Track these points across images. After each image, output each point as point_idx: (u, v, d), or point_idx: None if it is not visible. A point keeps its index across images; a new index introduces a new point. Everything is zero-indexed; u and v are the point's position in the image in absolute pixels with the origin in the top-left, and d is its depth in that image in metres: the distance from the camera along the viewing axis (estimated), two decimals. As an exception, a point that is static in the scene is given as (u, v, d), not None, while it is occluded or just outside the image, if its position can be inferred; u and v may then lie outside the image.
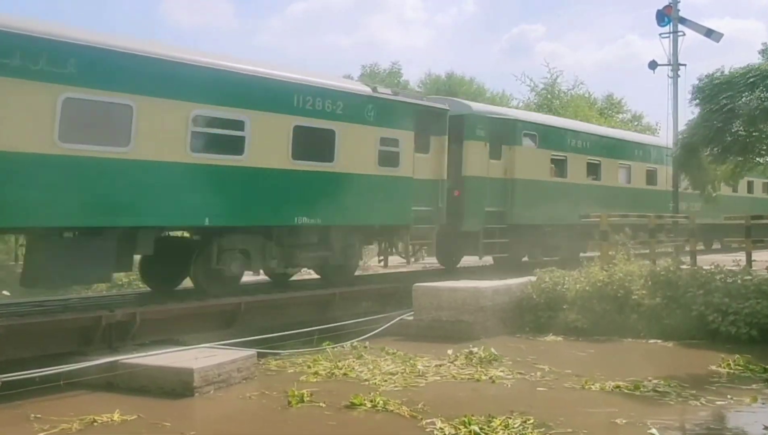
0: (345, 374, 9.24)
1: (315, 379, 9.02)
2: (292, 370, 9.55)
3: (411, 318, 12.39)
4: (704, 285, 11.84)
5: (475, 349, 10.25)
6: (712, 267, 12.55)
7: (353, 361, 9.86)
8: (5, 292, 15.39)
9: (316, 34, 79.23)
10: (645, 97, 70.35)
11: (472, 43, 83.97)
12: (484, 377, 9.08)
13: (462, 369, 9.50)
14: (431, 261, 18.96)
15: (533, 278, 13.11)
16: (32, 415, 7.33)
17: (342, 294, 12.90)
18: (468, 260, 18.41)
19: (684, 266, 13.14)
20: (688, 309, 11.72)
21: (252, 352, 9.34)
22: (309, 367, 9.58)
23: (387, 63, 49.07)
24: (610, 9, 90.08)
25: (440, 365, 9.65)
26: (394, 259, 19.89)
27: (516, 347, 11.02)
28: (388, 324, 12.03)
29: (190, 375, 8.27)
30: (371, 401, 7.74)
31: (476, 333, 11.80)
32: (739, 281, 11.86)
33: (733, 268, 12.68)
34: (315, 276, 15.16)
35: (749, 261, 14.57)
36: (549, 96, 38.67)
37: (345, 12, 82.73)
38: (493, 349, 10.24)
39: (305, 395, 7.97)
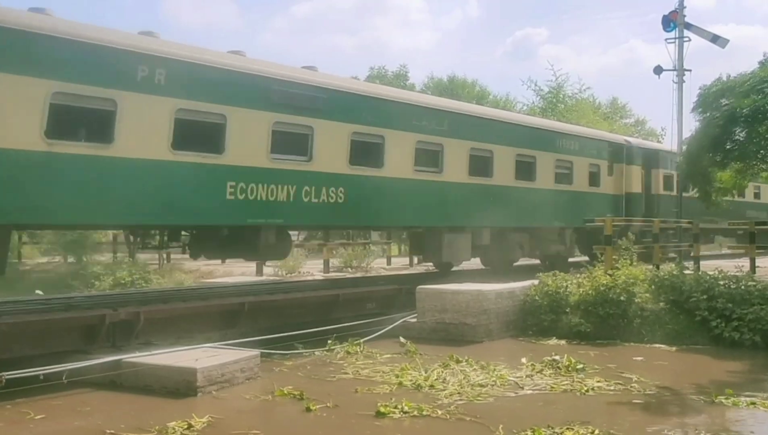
0: (432, 386, 8.51)
1: (388, 389, 8.41)
2: (377, 378, 8.96)
3: (414, 320, 12.39)
4: (708, 290, 11.83)
5: (557, 357, 9.74)
6: (716, 272, 12.54)
7: (441, 370, 9.24)
8: (38, 292, 15.42)
9: (320, 34, 79.44)
10: (649, 101, 70.40)
11: (475, 46, 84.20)
12: (584, 388, 8.51)
13: (556, 379, 8.95)
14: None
15: (536, 282, 13.11)
16: (107, 431, 6.87)
17: (345, 295, 12.91)
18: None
19: (687, 271, 13.12)
20: (691, 314, 11.72)
21: (256, 352, 9.32)
22: (396, 376, 8.95)
23: (394, 65, 49.28)
24: (615, 14, 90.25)
25: (531, 376, 9.11)
26: (397, 261, 20.08)
27: (520, 351, 11.00)
28: (391, 326, 12.02)
29: (193, 374, 8.26)
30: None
31: (480, 336, 11.80)
32: (742, 287, 11.84)
33: (737, 273, 12.66)
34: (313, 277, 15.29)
35: (753, 267, 14.55)
36: (554, 100, 38.64)
37: (349, 13, 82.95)
38: (572, 357, 9.74)
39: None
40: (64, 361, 8.38)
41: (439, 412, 7.43)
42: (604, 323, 11.97)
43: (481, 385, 8.57)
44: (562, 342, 11.80)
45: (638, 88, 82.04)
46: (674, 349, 11.30)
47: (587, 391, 8.47)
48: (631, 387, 8.65)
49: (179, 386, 8.27)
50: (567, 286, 12.71)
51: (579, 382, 8.80)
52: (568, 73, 55.18)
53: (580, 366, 9.46)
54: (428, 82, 50.09)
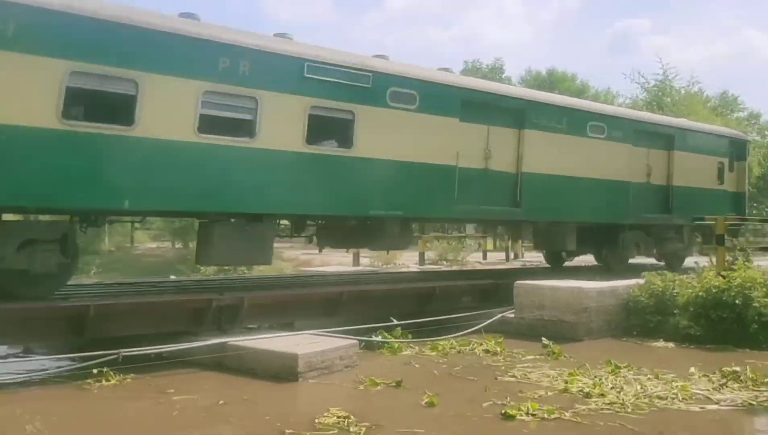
0: (602, 395, 7.71)
1: (539, 394, 7.79)
2: (545, 383, 8.32)
3: (512, 316, 12.19)
4: (837, 295, 10.96)
5: (738, 368, 8.62)
6: None
7: (613, 378, 8.41)
8: (172, 277, 16.29)
9: (413, 27, 79.53)
10: (764, 93, 66.05)
11: (572, 39, 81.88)
12: None
13: (749, 392, 7.90)
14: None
15: (640, 281, 12.60)
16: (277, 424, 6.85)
17: (442, 288, 12.85)
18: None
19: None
20: (817, 320, 10.90)
21: (354, 341, 9.44)
22: (566, 382, 8.24)
23: (488, 58, 48.71)
24: (724, 1, 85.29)
25: (718, 389, 8.10)
26: (493, 256, 19.94)
27: (626, 351, 10.56)
28: (489, 321, 11.87)
29: (295, 360, 8.43)
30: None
31: (579, 334, 11.46)
32: None
33: None
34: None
35: None
36: (660, 93, 37.00)
37: (443, 6, 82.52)
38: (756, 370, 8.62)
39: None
40: (171, 342, 8.78)
41: (567, 414, 7.02)
42: (715, 327, 11.33)
43: (660, 397, 7.66)
44: (671, 344, 11.25)
45: (751, 79, 77.24)
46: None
47: None
48: None
49: (281, 371, 8.47)
50: (674, 286, 12.14)
51: None
52: (676, 66, 52.45)
53: (767, 379, 8.42)
54: (526, 75, 49.23)
